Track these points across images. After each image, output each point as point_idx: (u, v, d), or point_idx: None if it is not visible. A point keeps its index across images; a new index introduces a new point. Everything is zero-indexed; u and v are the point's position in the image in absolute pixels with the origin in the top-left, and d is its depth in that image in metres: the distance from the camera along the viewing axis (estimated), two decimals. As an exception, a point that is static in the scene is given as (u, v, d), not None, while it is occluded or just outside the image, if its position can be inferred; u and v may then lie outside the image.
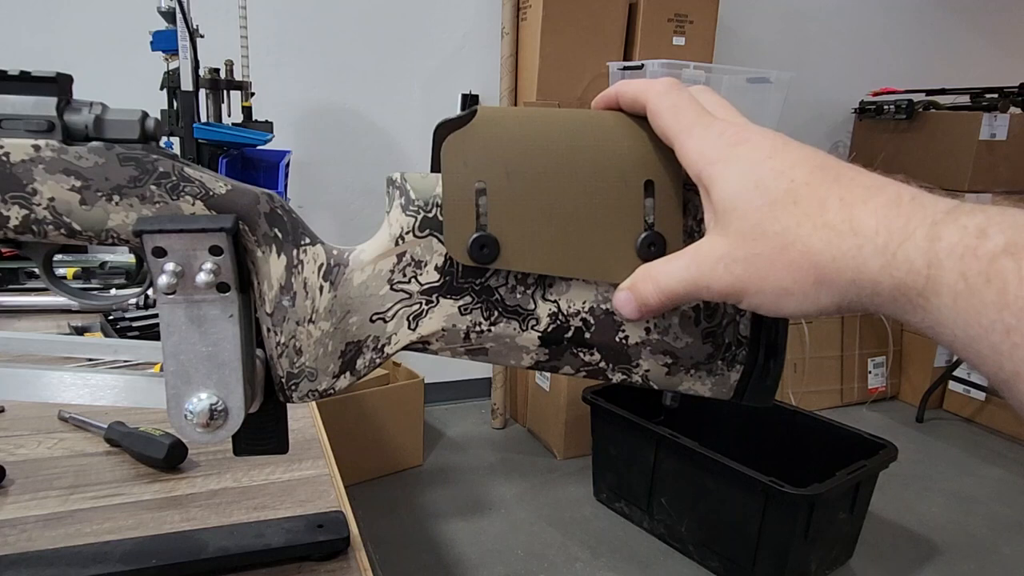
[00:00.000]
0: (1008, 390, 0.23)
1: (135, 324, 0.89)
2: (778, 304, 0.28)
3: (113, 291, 0.93)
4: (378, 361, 0.36)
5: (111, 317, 0.91)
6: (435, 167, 0.34)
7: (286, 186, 1.67)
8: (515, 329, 0.35)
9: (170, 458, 0.60)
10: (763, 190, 0.28)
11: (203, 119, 1.58)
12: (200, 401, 0.34)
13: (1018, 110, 2.67)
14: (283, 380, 0.35)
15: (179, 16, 1.45)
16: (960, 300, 0.23)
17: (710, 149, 0.30)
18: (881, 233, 0.25)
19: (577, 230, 0.33)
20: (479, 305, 0.35)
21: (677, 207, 0.33)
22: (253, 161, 1.73)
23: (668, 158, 0.33)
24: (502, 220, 0.33)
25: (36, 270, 0.45)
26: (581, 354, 0.36)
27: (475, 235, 0.33)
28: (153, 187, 0.33)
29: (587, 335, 0.35)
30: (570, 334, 0.35)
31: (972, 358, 0.24)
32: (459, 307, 0.35)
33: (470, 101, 2.45)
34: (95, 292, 0.40)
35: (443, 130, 0.33)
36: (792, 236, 0.27)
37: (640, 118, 0.33)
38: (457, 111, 2.29)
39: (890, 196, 0.26)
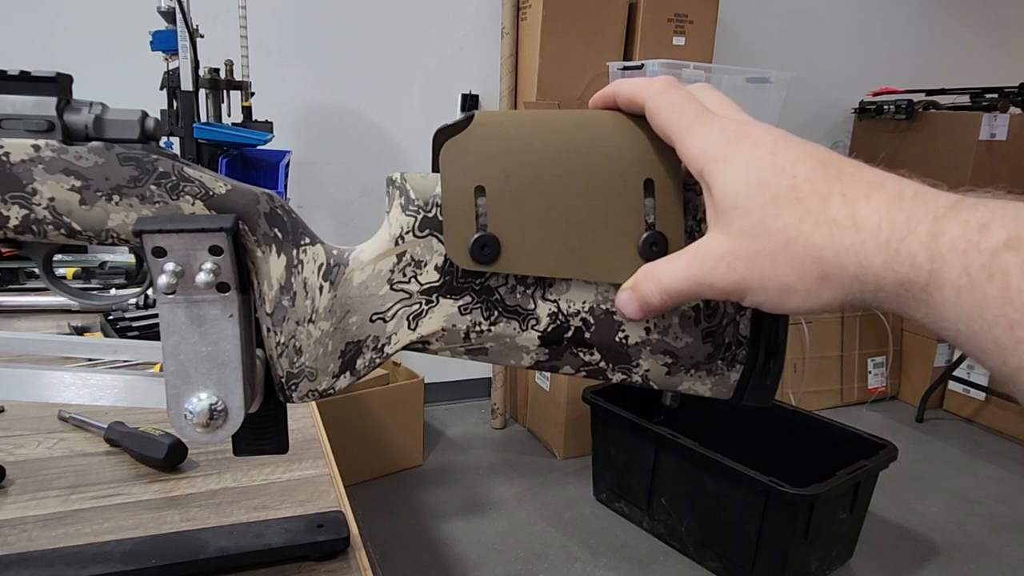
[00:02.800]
0: (1013, 384, 0.23)
1: (135, 324, 0.89)
2: (781, 301, 0.28)
3: (113, 291, 0.93)
4: (378, 361, 0.36)
5: (111, 317, 0.91)
6: (435, 172, 0.34)
7: (286, 186, 1.67)
8: (515, 329, 0.35)
9: (170, 458, 0.60)
10: (765, 187, 0.28)
11: (203, 119, 1.58)
12: (200, 401, 0.34)
13: (1018, 110, 2.67)
14: (283, 380, 0.35)
15: (179, 16, 1.45)
16: (963, 295, 0.23)
17: (711, 146, 0.30)
18: (884, 228, 0.25)
19: (578, 231, 0.33)
20: (479, 305, 0.35)
21: (678, 206, 0.33)
22: (253, 161, 1.73)
23: (667, 157, 0.33)
24: (502, 223, 0.33)
25: (36, 270, 0.45)
26: (581, 354, 0.36)
27: (476, 235, 0.33)
28: (153, 187, 0.33)
29: (587, 335, 0.35)
30: (570, 334, 0.35)
31: (976, 353, 0.24)
32: (459, 307, 0.35)
33: (470, 101, 2.45)
34: (95, 292, 0.40)
35: (442, 135, 0.33)
36: (795, 232, 0.27)
37: (638, 117, 0.33)
38: (457, 111, 2.28)
39: (892, 191, 0.26)
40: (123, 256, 1.10)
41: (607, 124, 0.34)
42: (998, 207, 0.23)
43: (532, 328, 0.35)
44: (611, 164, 0.33)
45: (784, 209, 0.27)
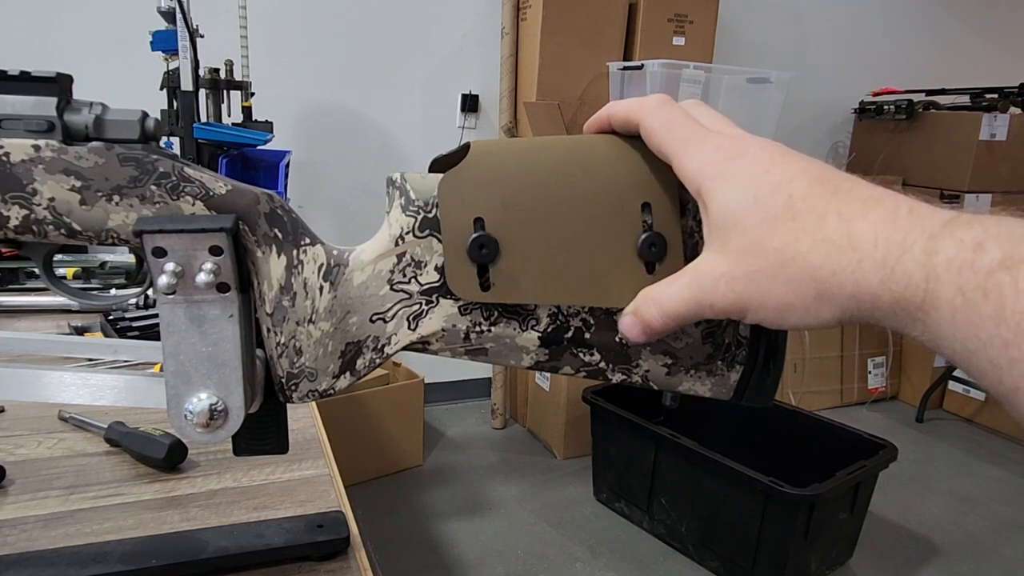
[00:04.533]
0: (1008, 403, 0.23)
1: (135, 324, 0.89)
2: (780, 318, 0.28)
3: (113, 291, 0.93)
4: (378, 361, 0.36)
5: (111, 317, 0.91)
6: None
7: (286, 186, 1.67)
8: (515, 329, 0.35)
9: (170, 458, 0.60)
10: (761, 205, 0.28)
11: (203, 119, 1.58)
12: (200, 401, 0.34)
13: (1018, 110, 2.67)
14: (283, 380, 0.35)
15: (179, 16, 1.45)
16: (958, 314, 0.23)
17: (707, 164, 0.30)
18: (880, 247, 0.25)
19: (578, 258, 0.33)
20: (479, 305, 0.35)
21: (676, 223, 0.33)
22: (253, 161, 1.73)
23: (663, 177, 0.33)
24: (502, 253, 0.33)
25: (36, 270, 0.45)
26: (581, 354, 0.36)
27: (474, 240, 0.33)
28: (153, 187, 0.33)
29: (587, 335, 0.35)
30: (570, 334, 0.35)
31: (972, 371, 0.24)
32: (459, 307, 0.35)
33: (470, 101, 2.45)
34: (95, 292, 0.40)
35: (437, 166, 0.33)
36: (791, 251, 0.27)
37: (633, 138, 0.33)
38: (457, 111, 2.26)
39: (888, 209, 0.26)
40: (123, 256, 1.10)
41: (603, 149, 0.34)
42: (992, 225, 0.23)
43: (532, 328, 0.35)
44: (608, 189, 0.33)
45: (781, 228, 0.27)
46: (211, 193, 0.34)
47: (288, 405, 0.37)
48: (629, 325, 0.32)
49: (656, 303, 0.31)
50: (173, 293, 0.33)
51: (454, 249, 0.33)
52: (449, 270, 0.33)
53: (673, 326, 0.31)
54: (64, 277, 1.04)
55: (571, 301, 0.34)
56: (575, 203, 0.33)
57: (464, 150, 0.33)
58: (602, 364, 0.36)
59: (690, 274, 0.30)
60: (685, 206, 0.34)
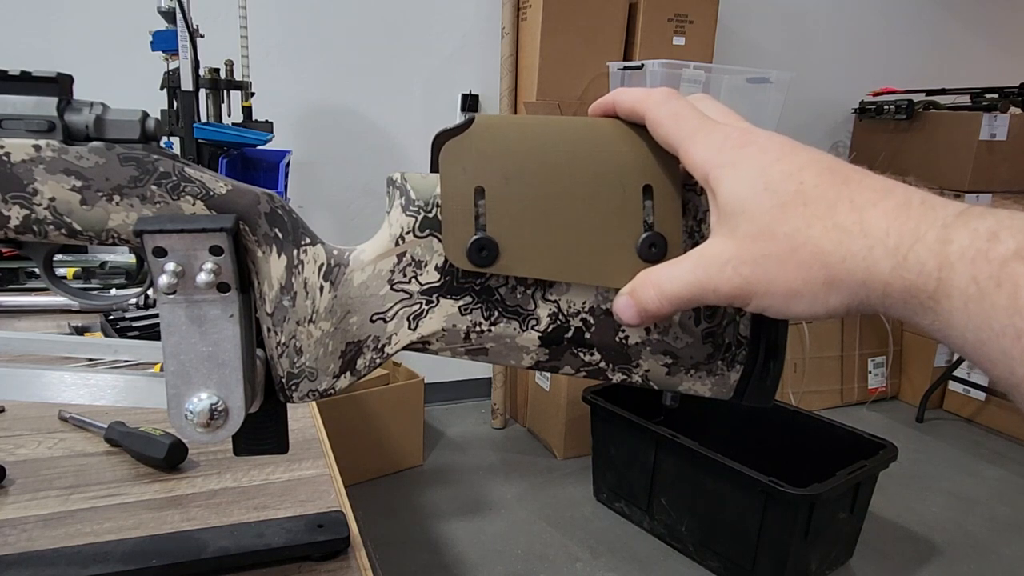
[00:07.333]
0: (1018, 394, 0.23)
1: (135, 324, 0.89)
2: (787, 306, 0.28)
3: (113, 291, 0.93)
4: (378, 361, 0.36)
5: (111, 317, 0.91)
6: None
7: (286, 186, 1.67)
8: (515, 329, 0.35)
9: (170, 458, 0.60)
10: (773, 192, 0.28)
11: (203, 119, 1.58)
12: (200, 401, 0.34)
13: (1018, 110, 2.67)
14: (283, 380, 0.36)
15: (179, 16, 1.45)
16: (971, 304, 0.23)
17: (716, 153, 0.30)
18: (892, 235, 0.25)
19: (577, 236, 0.33)
20: (479, 305, 0.35)
21: (677, 211, 0.33)
22: (253, 161, 1.73)
23: (666, 163, 0.33)
24: (501, 225, 0.33)
25: (36, 270, 0.45)
26: (581, 354, 0.36)
27: (474, 237, 0.33)
28: (154, 187, 0.33)
29: (587, 335, 0.35)
30: (570, 334, 0.35)
31: (982, 362, 0.24)
32: (459, 307, 0.35)
33: (470, 101, 2.45)
34: (95, 292, 0.40)
35: (441, 139, 0.33)
36: (802, 237, 0.27)
37: (637, 125, 0.33)
38: (457, 111, 2.27)
39: (900, 199, 0.26)
40: (123, 256, 1.10)
41: (607, 131, 0.34)
42: (1006, 216, 0.23)
43: (532, 328, 0.35)
44: (611, 170, 0.33)
45: (792, 214, 0.27)
46: (211, 193, 0.34)
47: (288, 405, 0.37)
48: (623, 306, 0.32)
49: (655, 285, 0.31)
50: (173, 293, 0.33)
51: (452, 217, 0.33)
52: (446, 238, 0.33)
53: (669, 311, 0.31)
54: (64, 277, 1.04)
55: (566, 277, 0.34)
56: (577, 181, 0.33)
57: (469, 122, 0.33)
58: (602, 364, 0.36)
59: (695, 258, 0.30)
60: (685, 205, 0.34)
